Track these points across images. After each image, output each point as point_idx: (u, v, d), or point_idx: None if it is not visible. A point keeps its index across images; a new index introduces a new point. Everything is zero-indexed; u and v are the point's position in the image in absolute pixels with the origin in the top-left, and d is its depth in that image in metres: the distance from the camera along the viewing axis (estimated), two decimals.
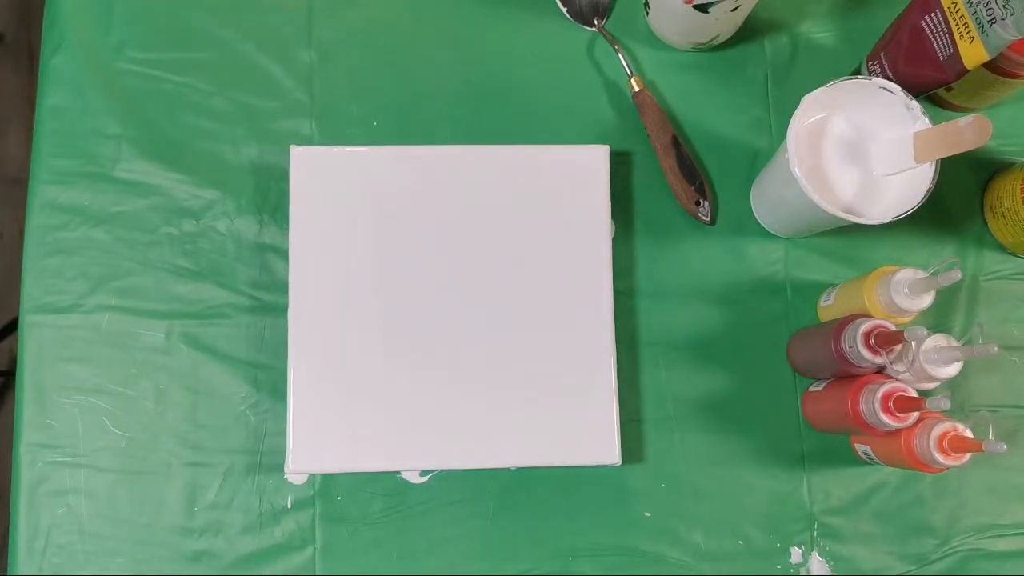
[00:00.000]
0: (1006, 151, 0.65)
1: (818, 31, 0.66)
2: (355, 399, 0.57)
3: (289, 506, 0.58)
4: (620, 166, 0.63)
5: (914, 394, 0.51)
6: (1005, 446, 0.47)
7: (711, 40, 0.63)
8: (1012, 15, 0.49)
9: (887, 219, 0.52)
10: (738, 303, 0.62)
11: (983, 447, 0.48)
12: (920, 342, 0.54)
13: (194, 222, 0.61)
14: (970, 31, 0.52)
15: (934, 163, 0.52)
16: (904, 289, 0.53)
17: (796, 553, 0.59)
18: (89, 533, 0.57)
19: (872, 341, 0.51)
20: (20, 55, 1.38)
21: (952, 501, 0.60)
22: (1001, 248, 0.63)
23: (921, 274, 0.53)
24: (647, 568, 0.59)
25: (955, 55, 0.53)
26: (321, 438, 0.56)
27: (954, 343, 0.56)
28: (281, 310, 0.59)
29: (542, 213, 0.59)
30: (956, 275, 0.49)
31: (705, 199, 0.62)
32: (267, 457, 0.59)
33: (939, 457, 0.50)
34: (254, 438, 0.59)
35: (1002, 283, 0.63)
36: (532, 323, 0.58)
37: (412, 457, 0.57)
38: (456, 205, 0.59)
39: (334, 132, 0.63)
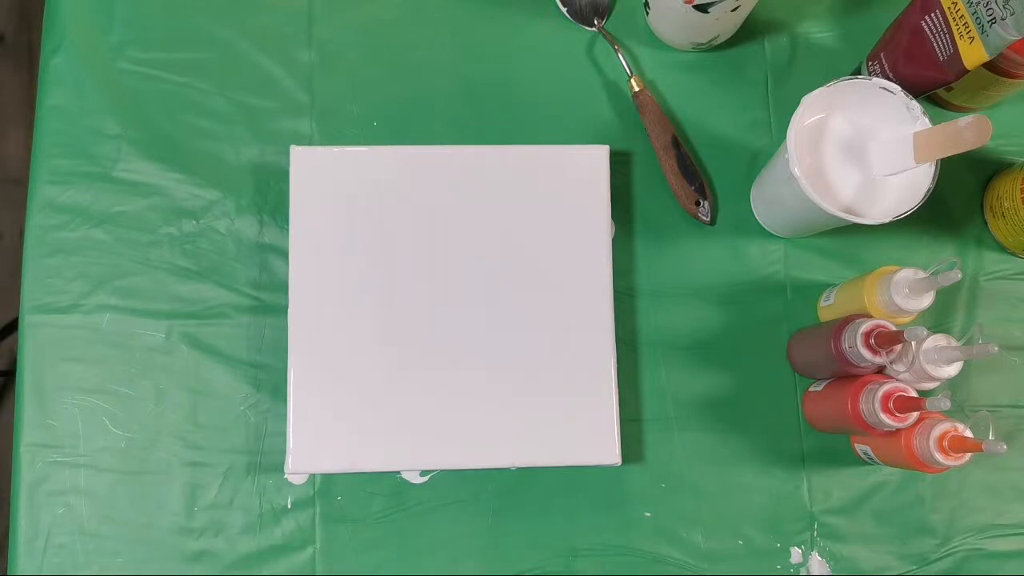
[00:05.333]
0: (1006, 151, 0.65)
1: (818, 31, 0.66)
2: (355, 399, 0.57)
3: (289, 506, 0.58)
4: (620, 166, 0.63)
5: (914, 394, 0.51)
6: (1005, 446, 0.47)
7: (711, 40, 0.63)
8: (1012, 15, 0.49)
9: (887, 219, 0.52)
10: (738, 303, 0.62)
11: (983, 447, 0.48)
12: (920, 342, 0.54)
13: (194, 222, 0.61)
14: (970, 31, 0.52)
15: (934, 163, 0.52)
16: (904, 289, 0.53)
17: (796, 553, 0.59)
18: (89, 533, 0.57)
19: (872, 341, 0.51)
20: (20, 55, 1.38)
21: (952, 501, 0.60)
22: (1001, 248, 0.63)
23: (921, 274, 0.53)
24: (647, 568, 0.59)
25: (955, 55, 0.53)
26: (321, 438, 0.56)
27: (954, 343, 0.56)
28: (281, 310, 0.59)
29: (542, 213, 0.59)
30: (956, 275, 0.49)
31: (705, 199, 0.62)
32: (267, 457, 0.59)
33: (939, 457, 0.50)
34: (254, 438, 0.59)
35: (1002, 283, 0.63)
36: (532, 323, 0.58)
37: (412, 457, 0.57)
38: (456, 205, 0.59)
39: (334, 132, 0.63)
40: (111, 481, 0.58)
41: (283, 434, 0.57)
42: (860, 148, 0.55)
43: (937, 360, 0.55)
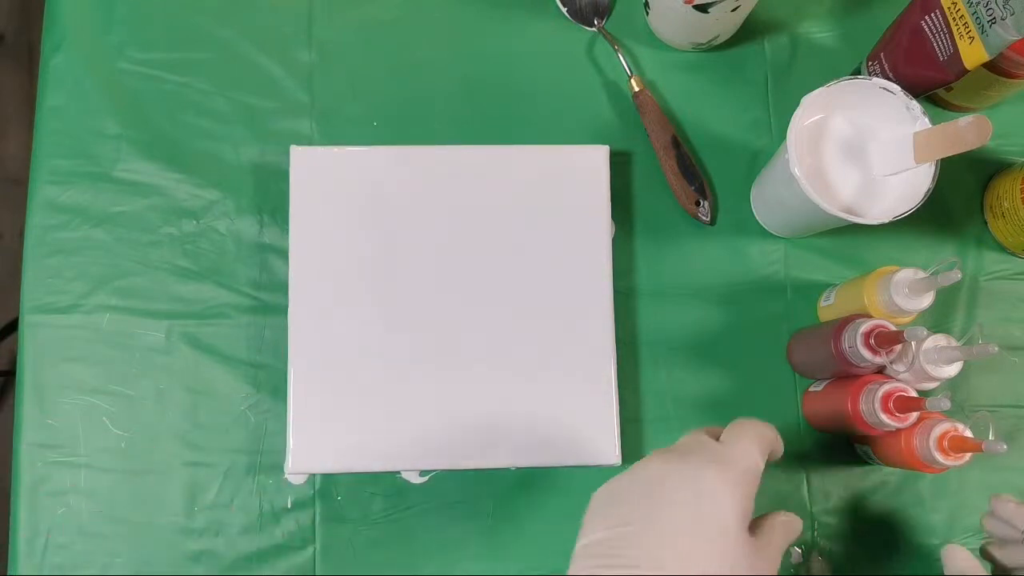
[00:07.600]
0: (1006, 151, 0.65)
1: (818, 31, 0.66)
2: (355, 399, 0.57)
3: (289, 506, 0.58)
4: (620, 166, 0.63)
5: (914, 394, 0.51)
6: (1005, 446, 0.47)
7: (711, 40, 0.63)
8: (1012, 15, 0.49)
9: (887, 219, 0.52)
10: (738, 303, 0.62)
11: (983, 447, 0.48)
12: (920, 342, 0.54)
13: (194, 222, 0.61)
14: (970, 31, 0.52)
15: (934, 163, 0.52)
16: (904, 289, 0.53)
17: (796, 553, 0.59)
18: (89, 533, 0.57)
19: (872, 341, 0.51)
20: (20, 55, 1.38)
21: (952, 501, 0.60)
22: (1001, 248, 0.63)
23: (921, 274, 0.53)
24: None
25: (955, 55, 0.53)
26: (321, 438, 0.56)
27: (954, 343, 0.56)
28: (281, 310, 0.59)
29: (542, 213, 0.59)
30: (956, 275, 0.49)
31: (705, 199, 0.62)
32: (267, 457, 0.59)
33: (939, 457, 0.50)
34: (254, 438, 0.59)
35: (1002, 283, 0.63)
36: (532, 323, 0.58)
37: (412, 457, 0.57)
38: (456, 205, 0.59)
39: (334, 132, 0.63)
40: (111, 481, 0.58)
41: (283, 434, 0.57)
42: (860, 148, 0.55)
43: (937, 360, 0.55)
